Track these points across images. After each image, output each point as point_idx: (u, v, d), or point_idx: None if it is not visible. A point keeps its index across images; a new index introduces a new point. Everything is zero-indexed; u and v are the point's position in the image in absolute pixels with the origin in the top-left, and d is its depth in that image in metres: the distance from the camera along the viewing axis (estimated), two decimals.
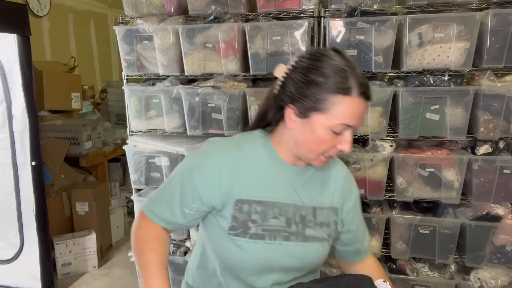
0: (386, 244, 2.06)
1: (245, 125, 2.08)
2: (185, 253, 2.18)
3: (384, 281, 0.97)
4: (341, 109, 0.87)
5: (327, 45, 1.86)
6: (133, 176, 2.16)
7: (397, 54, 1.85)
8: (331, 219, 1.04)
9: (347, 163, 1.94)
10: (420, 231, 1.94)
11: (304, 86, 0.89)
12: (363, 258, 1.15)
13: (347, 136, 0.91)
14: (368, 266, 1.14)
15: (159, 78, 2.12)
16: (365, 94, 0.88)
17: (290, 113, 0.92)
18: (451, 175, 1.86)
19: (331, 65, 0.88)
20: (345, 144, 0.91)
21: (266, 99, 1.02)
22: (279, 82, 0.96)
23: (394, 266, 2.07)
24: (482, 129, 1.78)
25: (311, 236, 0.99)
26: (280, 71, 0.96)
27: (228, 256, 0.99)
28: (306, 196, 1.00)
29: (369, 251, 1.16)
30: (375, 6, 1.79)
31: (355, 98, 0.87)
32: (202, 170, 0.96)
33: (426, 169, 1.88)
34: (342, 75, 0.87)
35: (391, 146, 1.91)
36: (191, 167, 0.97)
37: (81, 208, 2.79)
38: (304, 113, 0.90)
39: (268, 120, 1.02)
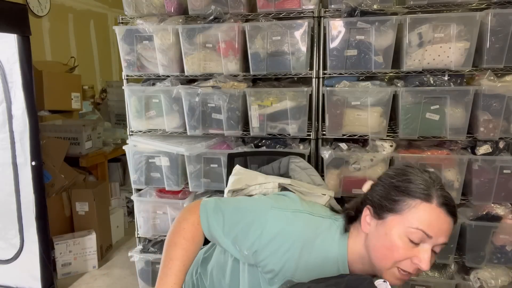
0: None
1: (245, 125, 2.08)
2: None
3: (384, 281, 0.96)
4: (418, 214, 0.83)
5: (327, 45, 1.86)
6: (133, 176, 2.16)
7: (397, 54, 1.85)
8: None
9: (346, 163, 1.94)
10: None
11: (386, 189, 0.89)
12: None
13: (425, 248, 0.83)
14: None
15: (159, 78, 2.12)
16: (448, 207, 0.84)
17: (366, 214, 0.91)
18: (451, 175, 1.86)
19: (415, 175, 0.88)
20: (421, 257, 0.82)
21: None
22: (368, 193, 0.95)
23: None
24: (482, 129, 1.78)
25: None
26: (366, 186, 0.97)
27: None
28: None
29: None
30: (375, 6, 1.79)
31: (434, 206, 0.83)
32: (276, 235, 0.93)
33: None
34: (425, 184, 0.86)
35: (391, 146, 1.91)
36: (268, 222, 0.94)
37: (81, 208, 2.79)
38: (379, 214, 0.88)
39: (349, 218, 0.98)
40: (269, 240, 0.93)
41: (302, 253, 0.92)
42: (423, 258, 0.82)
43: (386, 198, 0.88)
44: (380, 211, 0.88)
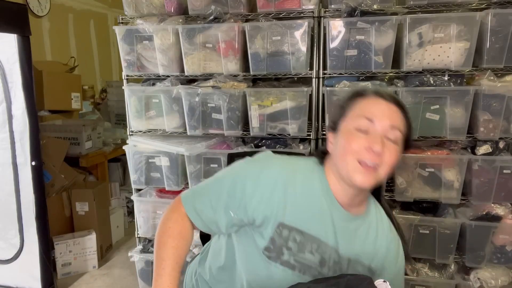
0: None
1: (245, 125, 2.08)
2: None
3: (384, 281, 0.96)
4: (358, 106, 0.93)
5: (327, 45, 1.86)
6: (133, 176, 2.16)
7: (397, 54, 1.85)
8: (358, 271, 1.01)
9: None
10: (420, 231, 1.94)
11: (336, 107, 1.01)
12: None
13: (375, 133, 0.89)
14: None
15: (159, 78, 2.12)
16: (383, 95, 0.93)
17: (329, 137, 0.99)
18: (451, 175, 1.86)
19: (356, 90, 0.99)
20: (372, 140, 0.88)
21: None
22: None
23: None
24: (482, 129, 1.78)
25: (335, 284, 0.93)
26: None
27: (255, 274, 0.99)
28: (345, 243, 0.97)
29: None
30: (375, 6, 1.79)
31: (371, 96, 0.94)
32: (258, 182, 0.95)
33: (426, 169, 1.88)
34: (360, 88, 0.98)
35: None
36: (247, 174, 0.96)
37: (81, 208, 2.79)
38: (335, 128, 0.97)
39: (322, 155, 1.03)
40: (253, 189, 0.94)
41: (287, 191, 0.94)
42: (373, 140, 0.88)
43: (335, 112, 0.99)
44: (335, 125, 0.97)
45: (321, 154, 1.02)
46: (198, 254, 1.26)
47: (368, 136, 0.89)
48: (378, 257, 1.02)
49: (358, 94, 0.96)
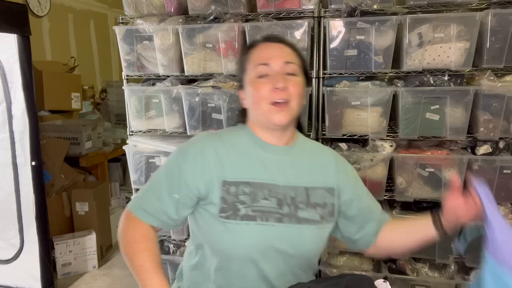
0: None
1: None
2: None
3: (384, 280, 0.97)
4: (253, 56, 1.01)
5: (327, 45, 1.86)
6: (133, 176, 2.16)
7: (397, 54, 1.85)
8: (327, 201, 1.04)
9: None
10: None
11: (238, 69, 1.08)
12: (386, 223, 1.12)
13: (275, 74, 0.97)
14: (395, 227, 1.13)
15: (159, 78, 2.12)
16: (269, 38, 1.04)
17: (240, 96, 1.07)
18: (451, 175, 1.86)
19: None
20: (274, 79, 0.96)
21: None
22: None
23: (394, 266, 2.07)
24: (482, 129, 1.78)
25: (304, 218, 0.98)
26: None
27: (222, 243, 0.97)
28: (294, 176, 1.02)
29: (386, 215, 1.14)
30: (375, 6, 1.79)
31: (260, 44, 1.03)
32: (187, 155, 1.00)
33: (426, 169, 1.88)
34: (252, 42, 1.07)
35: (391, 146, 1.91)
36: (176, 155, 1.02)
37: (81, 208, 2.79)
38: (242, 85, 1.05)
39: (243, 119, 1.11)
40: (186, 162, 0.99)
41: (218, 152, 0.99)
42: (275, 80, 0.96)
43: (237, 71, 1.10)
44: (241, 82, 1.05)
45: (241, 115, 1.11)
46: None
47: (269, 78, 0.97)
48: (330, 174, 1.06)
49: (250, 47, 1.04)
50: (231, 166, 0.98)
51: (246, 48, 1.06)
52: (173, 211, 0.99)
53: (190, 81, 2.15)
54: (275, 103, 0.96)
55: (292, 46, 1.04)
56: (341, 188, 1.06)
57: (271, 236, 0.95)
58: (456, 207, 0.98)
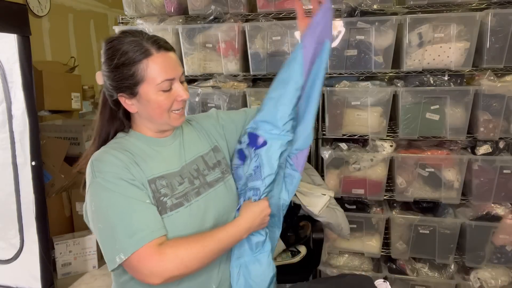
0: (386, 244, 2.06)
1: None
2: None
3: (384, 280, 0.97)
4: (153, 70, 0.96)
5: None
6: None
7: (397, 54, 1.85)
8: (218, 157, 1.16)
9: (346, 163, 1.94)
10: (420, 231, 1.94)
11: (115, 72, 0.98)
12: None
13: (176, 86, 1.00)
14: None
15: None
16: (163, 47, 0.99)
17: (124, 101, 1.01)
18: (451, 175, 1.86)
19: (122, 43, 0.98)
20: (178, 93, 1.00)
21: (100, 114, 1.08)
22: (104, 90, 1.05)
23: (394, 266, 2.07)
24: (482, 129, 1.78)
25: (213, 181, 1.10)
26: (99, 78, 1.04)
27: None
28: (189, 153, 1.11)
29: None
30: (375, 6, 1.79)
31: (156, 54, 0.97)
32: (111, 169, 0.95)
33: (426, 169, 1.88)
34: (135, 44, 0.97)
35: (391, 146, 1.91)
36: (105, 177, 0.94)
37: (81, 208, 2.78)
38: (132, 93, 0.98)
39: (118, 125, 1.08)
40: (122, 168, 0.96)
41: (125, 158, 0.98)
42: (180, 93, 1.00)
43: (124, 79, 0.97)
44: (131, 90, 0.98)
45: (125, 121, 1.07)
46: None
47: (172, 91, 1.00)
48: (207, 137, 1.18)
49: (143, 55, 0.96)
50: (141, 167, 0.99)
51: (137, 56, 0.96)
52: (158, 216, 0.96)
53: (190, 81, 2.15)
54: (176, 111, 1.03)
55: (174, 50, 1.05)
56: (218, 140, 1.19)
57: (201, 211, 1.04)
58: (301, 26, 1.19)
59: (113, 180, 0.93)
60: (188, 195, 1.03)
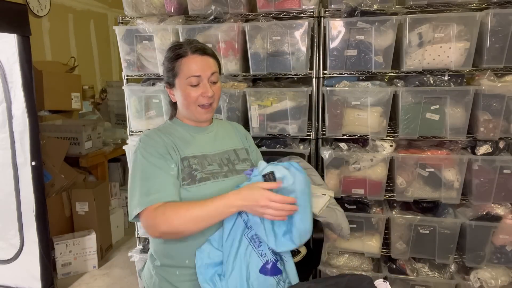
0: (386, 244, 2.06)
1: (245, 125, 2.08)
2: None
3: (384, 280, 0.97)
4: (185, 67, 1.23)
5: (327, 45, 1.87)
6: None
7: (397, 54, 1.85)
8: (247, 157, 1.40)
9: (346, 163, 1.94)
10: (420, 231, 1.94)
11: (164, 68, 1.30)
12: None
13: (204, 83, 1.24)
14: None
15: (159, 78, 2.12)
16: (199, 51, 1.24)
17: (168, 91, 1.32)
18: (451, 175, 1.86)
19: (172, 45, 1.29)
20: (204, 89, 1.23)
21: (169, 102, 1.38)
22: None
23: (394, 266, 2.07)
24: (482, 129, 1.78)
25: (241, 170, 1.32)
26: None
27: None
28: (222, 144, 1.35)
29: None
30: (375, 6, 1.79)
31: (190, 56, 1.24)
32: (155, 142, 1.22)
33: (426, 169, 1.88)
34: (177, 47, 1.26)
35: (391, 146, 1.91)
36: (144, 150, 1.20)
37: (81, 208, 2.79)
38: (171, 84, 1.29)
39: (173, 113, 1.39)
40: (161, 144, 1.23)
41: (166, 138, 1.24)
42: (204, 89, 1.23)
43: (167, 71, 1.28)
44: (171, 82, 1.28)
45: (173, 108, 1.37)
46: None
47: (200, 87, 1.24)
48: (242, 140, 1.45)
49: (180, 56, 1.24)
50: (179, 147, 1.24)
51: (175, 55, 1.24)
52: (173, 186, 1.17)
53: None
54: (202, 106, 1.26)
55: (214, 55, 1.28)
56: (248, 148, 1.45)
57: (225, 187, 1.21)
58: None
59: (150, 151, 1.19)
60: (216, 174, 1.25)
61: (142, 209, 1.12)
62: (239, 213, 1.15)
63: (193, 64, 1.23)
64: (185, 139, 1.29)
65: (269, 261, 1.13)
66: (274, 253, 1.15)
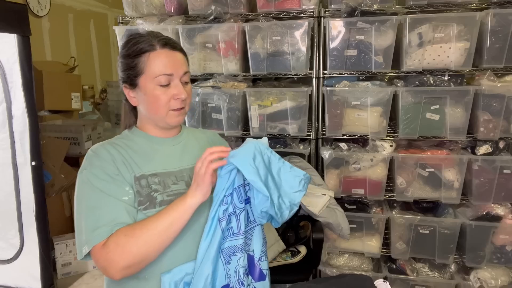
0: (386, 244, 2.06)
1: (245, 125, 2.08)
2: None
3: (384, 280, 0.97)
4: (153, 64, 1.00)
5: (327, 45, 1.87)
6: None
7: (397, 54, 1.85)
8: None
9: (346, 163, 1.94)
10: (420, 231, 1.94)
11: (121, 63, 1.05)
12: None
13: (175, 83, 1.03)
14: None
15: None
16: (169, 45, 1.03)
17: (127, 92, 1.06)
18: (451, 175, 1.86)
19: (131, 38, 1.05)
20: (177, 91, 1.02)
21: (123, 108, 1.15)
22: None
23: (394, 266, 2.07)
24: (482, 129, 1.78)
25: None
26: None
27: None
28: (191, 158, 1.10)
29: None
30: (375, 6, 1.79)
31: (160, 50, 1.01)
32: (100, 164, 0.99)
33: (426, 169, 1.88)
34: (141, 39, 1.02)
35: (391, 146, 1.91)
36: (91, 170, 0.98)
37: None
38: (133, 84, 1.04)
39: (130, 121, 1.15)
40: (111, 163, 1.01)
41: (120, 153, 1.02)
42: (178, 91, 1.02)
43: (127, 69, 1.03)
44: (132, 81, 1.04)
45: (131, 116, 1.14)
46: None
47: (171, 88, 1.03)
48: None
49: (148, 49, 1.01)
50: (134, 165, 1.02)
51: (140, 49, 1.01)
52: (127, 214, 0.96)
53: (190, 81, 2.15)
54: (174, 109, 1.05)
55: (184, 52, 1.08)
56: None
57: None
58: None
59: (96, 173, 0.97)
60: (180, 195, 1.00)
61: (91, 247, 0.91)
62: (218, 221, 0.98)
63: (163, 60, 1.01)
64: (145, 152, 1.06)
65: (231, 286, 0.99)
66: (240, 278, 1.01)
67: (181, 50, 1.06)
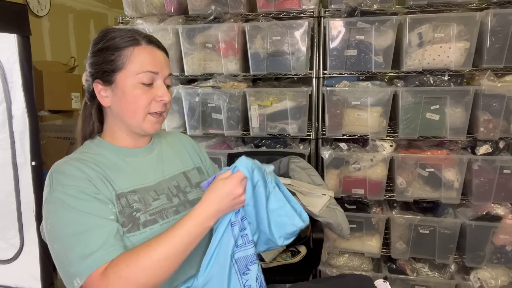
0: (386, 244, 2.06)
1: (245, 125, 2.08)
2: None
3: (384, 280, 0.97)
4: (137, 58, 0.89)
5: (327, 45, 1.87)
6: None
7: (397, 54, 1.85)
8: (201, 178, 1.07)
9: (346, 163, 1.94)
10: (420, 231, 1.94)
11: (97, 57, 0.92)
12: None
13: (159, 84, 0.92)
14: None
15: None
16: (154, 43, 0.93)
17: (98, 91, 0.92)
18: (451, 175, 1.86)
19: (108, 31, 0.93)
20: (160, 93, 0.91)
21: (79, 116, 1.01)
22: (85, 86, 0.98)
23: (394, 266, 2.07)
24: (482, 129, 1.78)
25: (195, 199, 1.00)
26: (84, 79, 0.98)
27: None
28: (169, 168, 1.02)
29: None
30: (375, 6, 1.79)
31: (145, 46, 0.91)
32: (73, 182, 0.85)
33: (426, 169, 1.88)
34: (125, 33, 0.91)
35: (391, 146, 1.91)
36: (64, 191, 0.84)
37: None
38: (107, 80, 0.90)
39: (91, 128, 1.01)
40: (85, 181, 0.87)
41: (91, 176, 0.87)
42: (162, 92, 0.91)
43: (103, 63, 0.90)
44: (107, 77, 0.90)
45: (95, 121, 0.99)
46: None
47: (153, 88, 0.91)
48: (193, 156, 1.12)
49: (131, 43, 0.89)
50: (112, 180, 0.89)
51: (124, 42, 0.90)
52: (119, 234, 0.84)
53: (190, 81, 2.15)
54: (153, 113, 0.93)
55: (167, 54, 0.98)
56: (202, 165, 1.13)
57: None
58: None
59: (74, 194, 0.83)
60: (164, 212, 0.93)
61: (85, 278, 0.76)
62: (230, 225, 0.89)
63: (148, 56, 0.90)
64: (118, 167, 0.93)
65: None
66: (263, 285, 0.93)
67: (165, 50, 0.97)
